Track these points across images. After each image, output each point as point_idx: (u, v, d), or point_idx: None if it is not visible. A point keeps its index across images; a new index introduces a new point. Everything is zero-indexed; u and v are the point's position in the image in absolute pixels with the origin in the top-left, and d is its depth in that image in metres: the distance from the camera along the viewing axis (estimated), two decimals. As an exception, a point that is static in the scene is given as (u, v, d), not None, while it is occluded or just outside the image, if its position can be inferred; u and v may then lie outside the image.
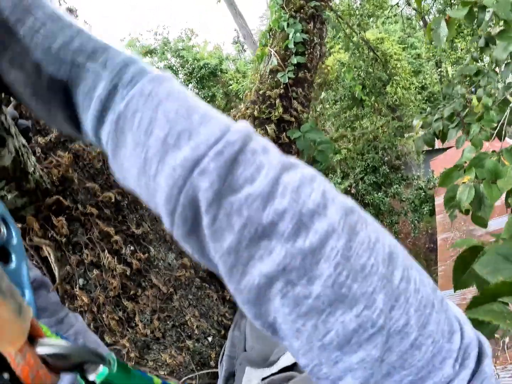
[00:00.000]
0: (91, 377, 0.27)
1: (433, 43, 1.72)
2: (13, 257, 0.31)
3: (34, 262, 0.93)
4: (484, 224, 1.75)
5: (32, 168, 0.73)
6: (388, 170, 11.92)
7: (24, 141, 0.71)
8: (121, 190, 0.94)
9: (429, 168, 11.99)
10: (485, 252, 0.91)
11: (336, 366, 0.28)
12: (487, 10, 1.75)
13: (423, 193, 10.88)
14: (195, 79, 14.06)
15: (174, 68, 14.29)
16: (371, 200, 11.67)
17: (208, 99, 14.43)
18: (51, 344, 0.26)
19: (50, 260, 0.90)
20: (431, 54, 11.71)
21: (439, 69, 12.12)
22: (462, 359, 0.29)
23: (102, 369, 0.27)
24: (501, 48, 1.66)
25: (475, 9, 1.73)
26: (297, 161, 0.32)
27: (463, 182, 1.53)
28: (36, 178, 0.75)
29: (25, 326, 0.25)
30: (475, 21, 1.76)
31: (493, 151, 1.63)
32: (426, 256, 11.77)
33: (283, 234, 0.27)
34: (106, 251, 0.90)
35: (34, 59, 0.31)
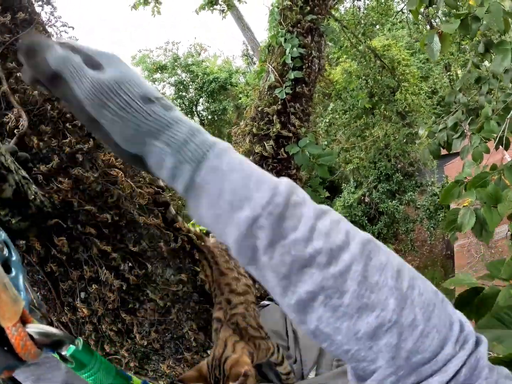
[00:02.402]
0: (63, 352, 0.40)
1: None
2: (13, 269, 0.43)
3: (40, 276, 1.00)
4: (487, 241, 1.72)
5: (33, 196, 0.82)
6: (401, 177, 11.74)
7: (24, 173, 0.80)
8: (119, 211, 1.00)
9: (443, 174, 11.77)
10: (484, 296, 0.89)
11: (371, 350, 0.39)
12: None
13: (438, 200, 10.66)
14: (205, 93, 14.24)
15: (184, 83, 14.51)
16: (385, 209, 11.50)
17: (220, 113, 14.61)
18: (36, 327, 0.37)
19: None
20: (439, 58, 11.61)
21: (449, 73, 11.98)
22: (462, 343, 0.39)
23: (70, 346, 0.40)
24: (498, 61, 1.66)
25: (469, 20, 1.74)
26: (326, 208, 0.44)
27: (464, 206, 1.51)
28: (37, 204, 0.83)
29: (18, 310, 0.36)
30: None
31: (494, 165, 1.61)
32: (443, 263, 11.51)
33: (320, 264, 0.39)
34: (104, 267, 0.96)
35: (114, 141, 0.42)
